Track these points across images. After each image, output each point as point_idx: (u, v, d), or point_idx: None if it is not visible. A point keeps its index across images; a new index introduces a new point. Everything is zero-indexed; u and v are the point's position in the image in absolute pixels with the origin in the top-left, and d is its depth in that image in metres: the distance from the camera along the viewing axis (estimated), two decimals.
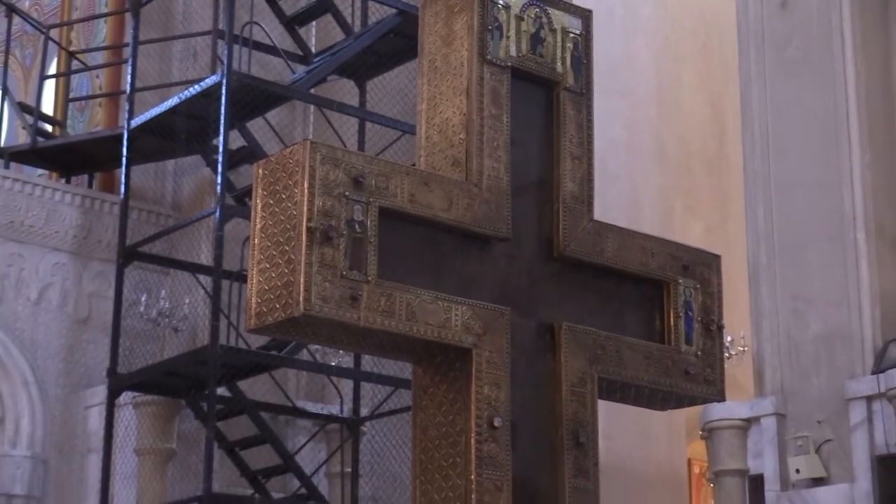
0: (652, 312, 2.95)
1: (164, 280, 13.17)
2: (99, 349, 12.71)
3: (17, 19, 15.52)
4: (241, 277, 11.36)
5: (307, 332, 2.67)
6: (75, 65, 14.98)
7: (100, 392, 12.58)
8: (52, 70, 15.33)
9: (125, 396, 12.40)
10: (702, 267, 3.19)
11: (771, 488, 12.36)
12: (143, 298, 12.68)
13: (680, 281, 3.05)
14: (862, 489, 11.79)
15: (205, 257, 12.66)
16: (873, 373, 11.95)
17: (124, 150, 12.64)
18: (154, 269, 13.09)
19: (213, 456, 11.30)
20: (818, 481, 12.06)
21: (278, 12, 13.41)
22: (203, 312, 12.35)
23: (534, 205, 3.22)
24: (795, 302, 12.67)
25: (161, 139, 12.66)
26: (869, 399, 11.90)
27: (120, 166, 12.87)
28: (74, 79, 15.19)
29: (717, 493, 12.82)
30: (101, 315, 12.88)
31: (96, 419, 12.62)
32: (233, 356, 11.80)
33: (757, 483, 12.46)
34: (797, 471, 12.14)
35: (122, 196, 12.76)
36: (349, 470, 12.80)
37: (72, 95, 15.16)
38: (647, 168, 15.74)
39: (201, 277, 12.35)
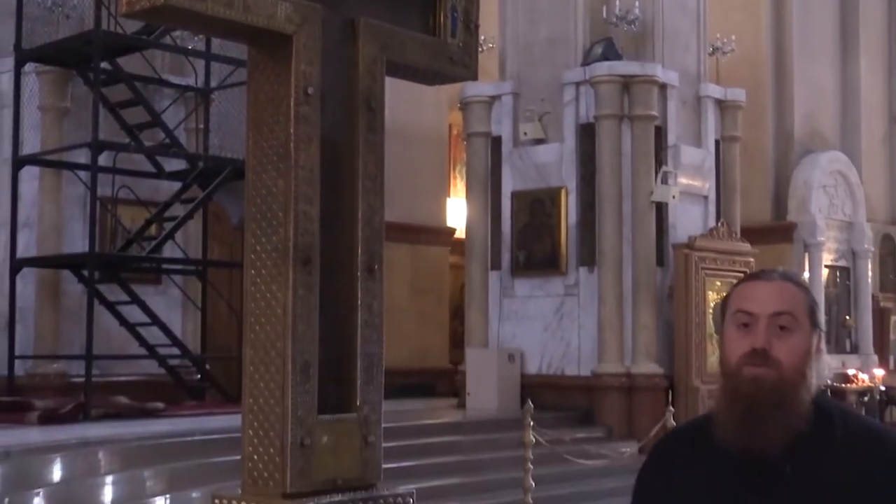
0: (427, 13, 2.87)
1: None
2: (6, 29, 11.96)
3: None
4: None
5: (168, 17, 2.52)
6: None
7: (8, 62, 11.99)
8: None
9: (29, 66, 11.89)
10: None
11: (506, 146, 12.66)
12: None
13: None
14: (569, 147, 12.17)
15: None
16: (581, 65, 12.15)
17: None
18: None
19: (98, 113, 11.02)
20: (539, 141, 12.39)
21: None
22: (88, 3, 11.72)
23: None
24: (531, 14, 12.68)
25: None
26: (577, 84, 12.15)
27: None
28: None
29: (469, 149, 13.07)
30: (5, 3, 12.07)
31: (7, 83, 12.09)
32: (112, 38, 11.39)
33: (497, 142, 12.74)
34: (525, 133, 12.42)
35: None
36: (202, 126, 12.67)
37: None
38: None
39: None
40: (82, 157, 11.45)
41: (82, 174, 11.49)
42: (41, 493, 6.70)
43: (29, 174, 11.82)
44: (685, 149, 12.33)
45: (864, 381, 14.65)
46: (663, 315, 11.90)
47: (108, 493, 7.17)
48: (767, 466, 2.05)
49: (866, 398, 14.41)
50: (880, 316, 16.00)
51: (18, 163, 11.59)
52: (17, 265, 11.46)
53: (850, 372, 14.69)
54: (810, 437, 2.06)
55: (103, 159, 11.23)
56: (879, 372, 15.02)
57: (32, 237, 11.89)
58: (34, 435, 8.56)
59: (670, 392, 10.91)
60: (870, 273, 15.70)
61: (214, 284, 12.50)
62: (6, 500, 6.54)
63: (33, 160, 11.72)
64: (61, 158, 11.78)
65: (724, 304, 2.18)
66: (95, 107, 11.00)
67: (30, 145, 11.83)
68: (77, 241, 11.76)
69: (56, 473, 7.17)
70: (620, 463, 9.93)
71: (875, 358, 15.39)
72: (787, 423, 2.05)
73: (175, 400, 11.43)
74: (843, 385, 14.26)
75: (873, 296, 15.79)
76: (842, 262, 15.45)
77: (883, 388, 14.92)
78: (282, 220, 2.46)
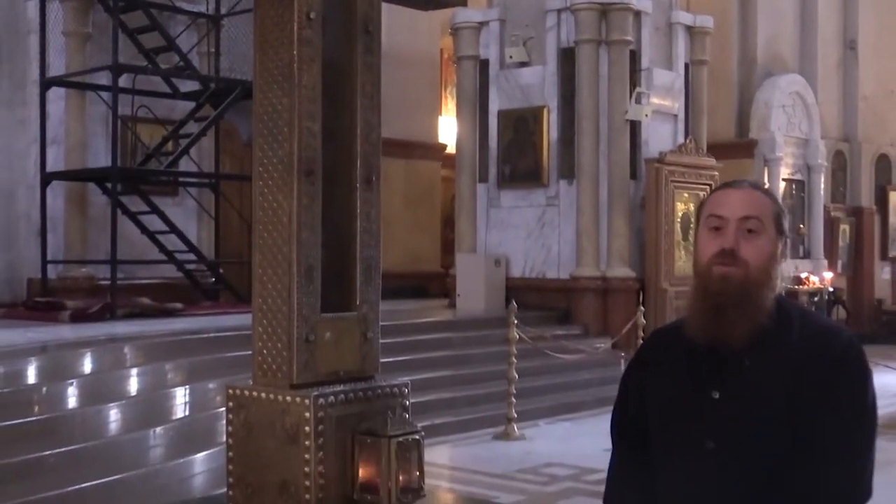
0: None
1: None
2: None
3: None
4: None
5: None
6: None
7: None
8: None
9: None
10: None
11: (493, 68, 12.52)
12: None
13: None
14: (551, 69, 12.04)
15: None
16: None
17: None
18: None
19: (118, 38, 10.84)
20: (523, 64, 12.25)
21: None
22: None
23: None
24: None
25: None
26: (559, 11, 11.97)
27: None
28: None
29: (459, 71, 12.93)
30: None
31: (33, 10, 11.84)
32: None
33: (484, 65, 12.60)
34: (510, 57, 12.28)
35: None
36: (213, 50, 12.48)
37: None
38: None
39: None
40: (104, 78, 11.29)
41: (104, 95, 11.35)
42: (74, 383, 6.77)
43: (55, 95, 11.67)
44: (657, 71, 12.22)
45: (814, 283, 14.78)
46: (636, 223, 11.92)
47: (133, 383, 7.24)
48: (729, 359, 2.07)
49: (816, 298, 14.56)
50: (831, 225, 16.09)
51: (45, 84, 11.44)
52: (46, 178, 11.40)
53: (803, 275, 14.80)
54: (771, 333, 2.07)
55: (123, 81, 11.08)
56: (828, 275, 15.17)
57: (60, 153, 11.80)
58: (66, 332, 8.61)
59: (641, 293, 10.98)
60: (822, 186, 15.73)
61: (226, 195, 12.46)
62: (44, 389, 6.62)
63: (59, 82, 11.57)
64: (84, 80, 11.63)
65: (698, 211, 2.19)
66: (115, 32, 10.83)
67: (55, 68, 11.66)
68: (100, 157, 11.67)
69: (87, 366, 7.24)
70: (595, 357, 10.04)
71: (825, 262, 15.52)
72: (752, 318, 2.05)
73: (192, 300, 11.49)
74: (797, 287, 14.38)
75: (825, 206, 15.86)
76: (797, 176, 15.48)
77: (831, 290, 15.08)
78: (287, 136, 2.43)
